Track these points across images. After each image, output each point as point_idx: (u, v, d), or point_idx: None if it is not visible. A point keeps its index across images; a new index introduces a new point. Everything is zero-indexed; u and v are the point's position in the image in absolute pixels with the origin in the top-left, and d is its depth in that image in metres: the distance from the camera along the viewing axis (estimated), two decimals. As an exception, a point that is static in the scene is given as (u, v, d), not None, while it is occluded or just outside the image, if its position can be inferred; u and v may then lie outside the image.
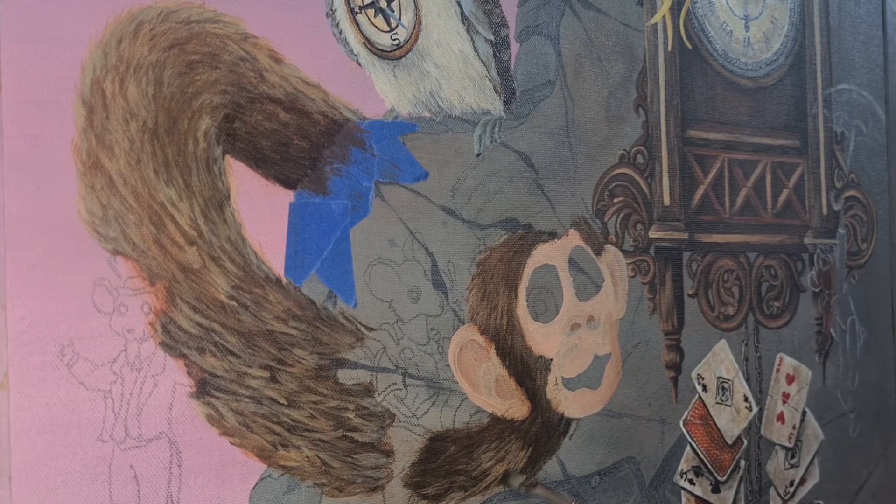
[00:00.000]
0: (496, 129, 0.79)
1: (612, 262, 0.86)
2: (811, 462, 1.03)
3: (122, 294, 0.61)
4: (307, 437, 0.67)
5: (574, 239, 0.83)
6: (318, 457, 0.68)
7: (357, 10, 0.71)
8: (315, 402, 0.68)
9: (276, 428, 0.66)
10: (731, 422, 0.95)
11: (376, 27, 0.72)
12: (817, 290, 1.04)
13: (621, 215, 0.87)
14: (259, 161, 0.66)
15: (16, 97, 0.58)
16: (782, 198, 1.01)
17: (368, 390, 0.70)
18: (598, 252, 0.85)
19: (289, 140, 0.68)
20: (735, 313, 0.97)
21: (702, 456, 0.93)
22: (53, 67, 0.59)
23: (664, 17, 0.91)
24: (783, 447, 1.00)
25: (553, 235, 0.82)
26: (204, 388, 0.63)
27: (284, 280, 0.67)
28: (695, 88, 0.94)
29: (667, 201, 0.91)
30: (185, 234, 0.63)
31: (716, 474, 0.94)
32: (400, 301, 0.73)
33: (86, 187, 0.60)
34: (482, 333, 0.77)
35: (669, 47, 0.92)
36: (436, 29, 0.75)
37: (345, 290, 0.70)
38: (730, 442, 0.95)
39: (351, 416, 0.69)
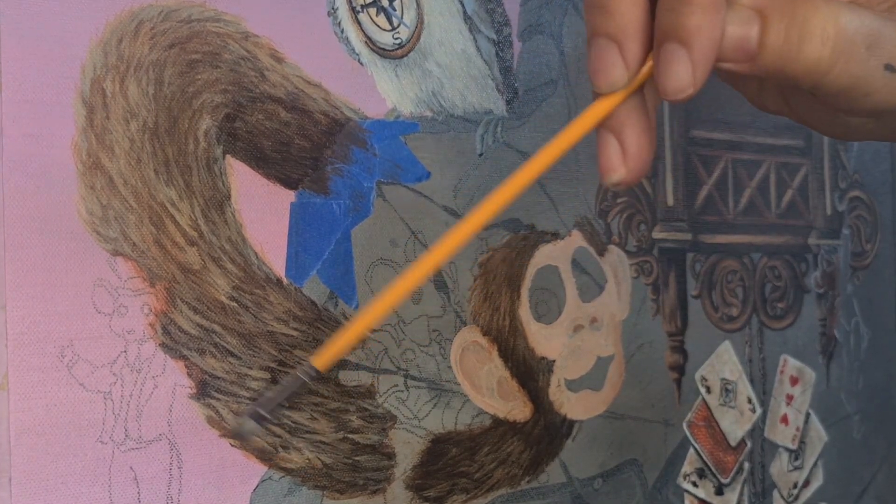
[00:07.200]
0: (498, 129, 0.78)
1: (616, 263, 0.86)
2: (815, 464, 1.03)
3: (122, 295, 0.61)
4: (308, 438, 0.67)
5: (577, 239, 0.83)
6: (319, 459, 0.67)
7: (359, 8, 0.71)
8: (316, 404, 0.67)
9: (277, 430, 0.65)
10: (734, 424, 0.95)
11: (378, 26, 0.72)
12: (821, 291, 1.04)
13: (624, 216, 0.87)
14: (260, 161, 0.66)
15: (16, 97, 0.58)
16: (786, 198, 1.01)
17: (370, 392, 0.70)
18: (601, 253, 0.84)
19: (290, 140, 0.67)
20: (739, 314, 0.96)
21: (705, 458, 0.92)
22: (53, 67, 0.59)
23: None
24: (787, 449, 1.00)
25: (556, 236, 0.81)
26: (204, 389, 0.63)
27: (285, 281, 0.66)
28: (698, 88, 0.93)
29: (670, 202, 0.90)
30: (186, 235, 0.62)
31: (719, 476, 0.93)
32: (401, 302, 0.72)
33: (86, 187, 0.59)
34: (484, 335, 0.76)
35: (673, 47, 0.91)
36: (438, 28, 0.74)
37: (346, 291, 0.69)
38: (733, 444, 0.94)
39: (352, 417, 0.68)
